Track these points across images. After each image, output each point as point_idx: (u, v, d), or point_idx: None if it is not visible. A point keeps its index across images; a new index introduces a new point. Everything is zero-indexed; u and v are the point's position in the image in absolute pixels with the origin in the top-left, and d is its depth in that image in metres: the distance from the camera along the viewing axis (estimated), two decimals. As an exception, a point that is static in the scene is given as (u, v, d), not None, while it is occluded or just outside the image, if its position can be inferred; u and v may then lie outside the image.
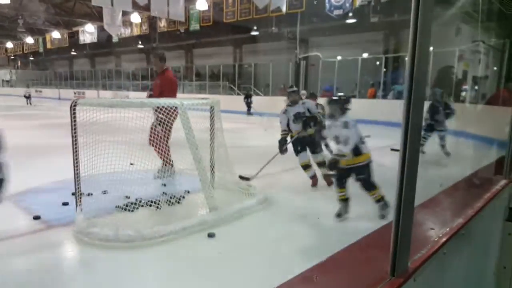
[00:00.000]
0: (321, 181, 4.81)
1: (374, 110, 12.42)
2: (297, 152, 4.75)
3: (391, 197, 4.03)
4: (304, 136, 4.65)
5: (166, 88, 5.02)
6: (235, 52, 23.38)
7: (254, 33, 20.04)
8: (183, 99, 4.53)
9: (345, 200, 3.62)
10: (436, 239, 1.37)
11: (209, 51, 24.61)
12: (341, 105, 3.56)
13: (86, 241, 3.05)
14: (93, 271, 2.71)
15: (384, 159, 4.30)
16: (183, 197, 4.06)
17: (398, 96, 13.34)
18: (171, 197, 3.95)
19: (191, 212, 3.70)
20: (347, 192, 3.64)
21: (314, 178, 4.76)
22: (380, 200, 3.53)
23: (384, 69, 15.05)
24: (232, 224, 3.43)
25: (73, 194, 3.93)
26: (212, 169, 4.20)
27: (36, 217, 3.56)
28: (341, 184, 3.60)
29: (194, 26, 19.55)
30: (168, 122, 4.02)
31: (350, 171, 3.52)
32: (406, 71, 0.99)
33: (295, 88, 4.96)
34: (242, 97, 18.32)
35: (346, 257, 1.30)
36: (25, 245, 3.12)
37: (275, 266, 2.71)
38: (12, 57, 40.80)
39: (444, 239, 1.37)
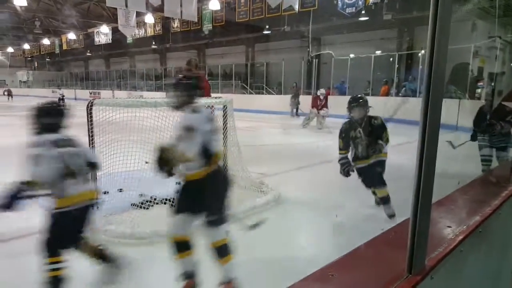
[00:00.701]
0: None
1: (387, 108, 12.28)
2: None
3: (407, 195, 4.00)
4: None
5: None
6: (247, 51, 23.41)
7: (266, 32, 20.02)
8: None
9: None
10: (453, 237, 1.36)
11: (221, 51, 24.69)
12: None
13: (103, 238, 3.11)
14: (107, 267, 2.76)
15: (398, 157, 4.26)
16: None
17: (409, 93, 13.16)
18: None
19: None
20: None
21: None
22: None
23: (397, 66, 14.88)
24: (244, 221, 3.43)
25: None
26: (225, 167, 4.22)
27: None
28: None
29: (207, 26, 19.63)
30: None
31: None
32: (425, 69, 0.98)
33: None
34: (255, 95, 18.32)
35: (362, 255, 1.29)
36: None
37: (289, 264, 2.71)
38: (29, 58, 41.62)
39: (461, 237, 1.36)
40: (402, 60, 15.33)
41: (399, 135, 5.78)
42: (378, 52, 15.33)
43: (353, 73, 15.07)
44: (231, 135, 4.30)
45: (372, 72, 14.56)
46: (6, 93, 25.46)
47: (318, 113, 10.84)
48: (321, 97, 10.95)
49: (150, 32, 27.20)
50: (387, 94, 14.45)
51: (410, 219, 1.08)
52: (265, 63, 20.06)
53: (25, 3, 17.66)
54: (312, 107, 11.26)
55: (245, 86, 20.49)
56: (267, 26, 19.74)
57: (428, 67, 0.98)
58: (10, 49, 37.07)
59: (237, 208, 3.51)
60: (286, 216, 3.73)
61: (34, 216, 3.68)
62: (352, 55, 15.34)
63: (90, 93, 23.55)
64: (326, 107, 10.80)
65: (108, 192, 3.89)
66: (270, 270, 2.67)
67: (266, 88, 19.33)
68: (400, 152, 4.62)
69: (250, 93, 19.49)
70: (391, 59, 14.98)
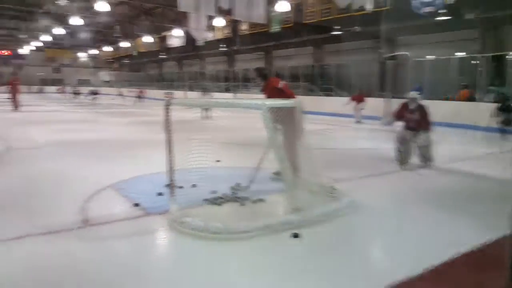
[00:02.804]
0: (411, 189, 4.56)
1: (470, 114, 11.37)
2: None
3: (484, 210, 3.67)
4: None
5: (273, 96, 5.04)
6: (315, 52, 23.20)
7: (335, 32, 19.65)
8: (265, 99, 4.65)
9: None
10: None
11: (289, 52, 24.76)
12: None
13: (179, 229, 3.30)
14: (183, 258, 2.94)
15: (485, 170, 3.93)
16: (265, 197, 4.15)
17: (499, 98, 11.99)
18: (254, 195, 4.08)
19: (275, 211, 3.79)
20: None
21: None
22: None
23: (480, 70, 13.69)
24: (316, 226, 3.42)
25: (166, 185, 4.27)
26: (296, 170, 4.23)
27: (136, 204, 3.94)
28: None
29: (275, 28, 19.82)
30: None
31: None
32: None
33: None
34: (324, 98, 18.00)
35: (451, 270, 1.23)
36: (126, 229, 3.48)
37: (361, 273, 2.64)
38: (110, 60, 45.48)
39: None
40: (487, 62, 14.07)
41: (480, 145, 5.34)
42: (460, 54, 14.25)
43: (432, 76, 14.18)
44: (301, 137, 4.30)
45: (453, 75, 13.57)
46: (92, 92, 27.98)
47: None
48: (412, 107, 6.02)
49: (219, 35, 28.18)
50: (467, 98, 13.36)
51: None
52: (334, 65, 19.71)
53: (108, 8, 19.32)
54: (397, 116, 6.42)
55: (313, 88, 20.28)
56: (336, 27, 19.36)
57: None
58: (93, 51, 40.84)
59: (308, 212, 3.51)
60: (359, 225, 3.63)
61: (118, 205, 4.04)
62: (431, 57, 14.44)
63: (165, 93, 25.05)
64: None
65: (182, 187, 4.11)
66: (339, 278, 2.62)
67: (335, 90, 18.96)
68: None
69: (319, 95, 19.24)
70: (474, 61, 13.84)
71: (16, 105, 16.30)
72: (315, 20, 17.56)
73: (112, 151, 7.29)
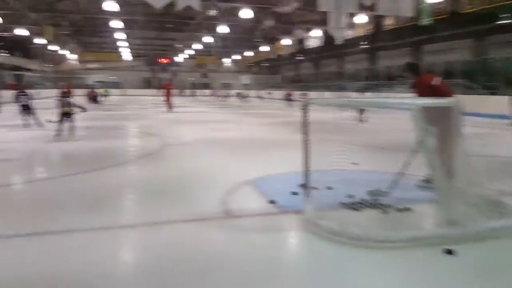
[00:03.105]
0: None
1: None
2: None
3: None
4: None
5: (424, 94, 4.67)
6: (475, 45, 20.44)
7: (503, 22, 16.91)
8: (415, 98, 4.26)
9: None
10: None
11: (442, 46, 22.43)
12: None
13: (313, 231, 3.29)
14: (317, 260, 2.91)
15: None
16: (412, 206, 3.81)
17: None
18: (399, 203, 3.78)
19: (424, 222, 3.43)
20: None
21: None
22: None
23: None
24: (477, 245, 2.96)
25: (300, 185, 4.32)
26: (451, 178, 3.75)
27: (272, 202, 4.10)
28: None
29: (426, 20, 18.20)
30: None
31: None
32: None
33: None
34: (486, 97, 15.71)
35: None
36: (262, 224, 3.66)
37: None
38: (250, 64, 49.01)
39: None
40: None
41: None
42: None
43: None
44: (458, 142, 3.80)
45: None
46: (239, 94, 30.59)
47: None
48: None
49: (360, 32, 27.39)
50: None
51: None
52: (500, 59, 16.98)
53: (251, 15, 20.79)
54: None
55: (473, 85, 17.87)
56: (502, 15, 16.64)
57: None
58: (235, 57, 44.63)
59: (466, 227, 3.07)
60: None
61: (255, 201, 4.27)
62: None
63: (301, 95, 25.71)
64: None
65: (317, 188, 4.09)
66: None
67: (502, 88, 16.32)
68: None
69: (480, 94, 16.84)
70: None
71: (169, 106, 18.94)
72: (476, 9, 15.44)
73: (251, 149, 7.78)
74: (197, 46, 34.80)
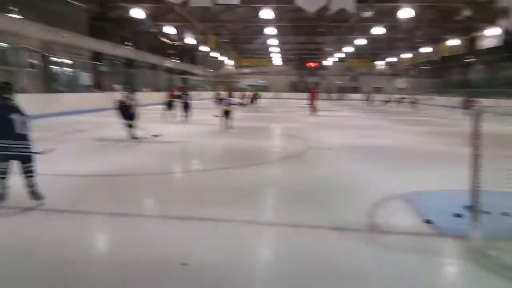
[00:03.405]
0: None
1: None
2: None
3: None
4: None
5: None
6: None
7: None
8: None
9: None
10: None
11: None
12: None
13: (480, 262, 2.82)
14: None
15: None
16: None
17: None
18: None
19: None
20: None
21: None
22: None
23: None
24: None
25: (466, 207, 3.76)
26: None
27: (427, 221, 3.67)
28: None
29: None
30: None
31: None
32: None
33: None
34: None
35: None
36: (413, 244, 3.32)
37: None
38: (408, 67, 45.79)
39: None
40: None
41: None
42: None
43: None
44: None
45: None
46: (402, 100, 28.88)
47: None
48: None
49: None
50: None
51: None
52: None
53: (413, 14, 19.34)
54: None
55: None
56: None
57: None
58: (391, 59, 42.37)
59: None
60: None
61: (407, 218, 3.90)
62: None
63: (464, 100, 22.75)
64: None
65: (490, 213, 3.48)
66: None
67: None
68: None
69: None
70: None
71: (314, 110, 19.18)
72: None
73: (402, 160, 7.21)
74: (348, 49, 34.28)
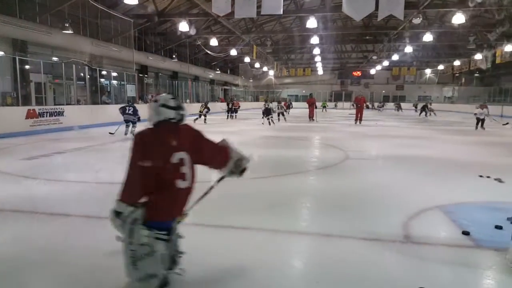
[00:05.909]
0: None
1: None
2: None
3: None
4: None
5: None
6: None
7: None
8: None
9: None
10: None
11: None
12: None
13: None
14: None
15: None
16: None
17: None
18: None
19: None
20: None
21: None
22: None
23: None
24: None
25: (509, 219, 3.65)
26: None
27: (465, 233, 3.58)
28: None
29: None
30: None
31: None
32: None
33: None
34: None
35: None
36: (449, 256, 3.24)
37: None
38: (457, 74, 43.83)
39: None
40: None
41: None
42: None
43: None
44: None
45: None
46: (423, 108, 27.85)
47: None
48: None
49: None
50: None
51: None
52: None
53: (463, 20, 18.58)
54: None
55: None
56: None
57: None
58: (440, 66, 40.79)
59: None
60: None
61: (444, 229, 3.80)
62: None
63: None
64: None
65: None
66: None
67: None
68: None
69: None
70: None
71: (359, 119, 18.92)
72: None
73: (443, 170, 6.98)
74: (395, 57, 33.42)
